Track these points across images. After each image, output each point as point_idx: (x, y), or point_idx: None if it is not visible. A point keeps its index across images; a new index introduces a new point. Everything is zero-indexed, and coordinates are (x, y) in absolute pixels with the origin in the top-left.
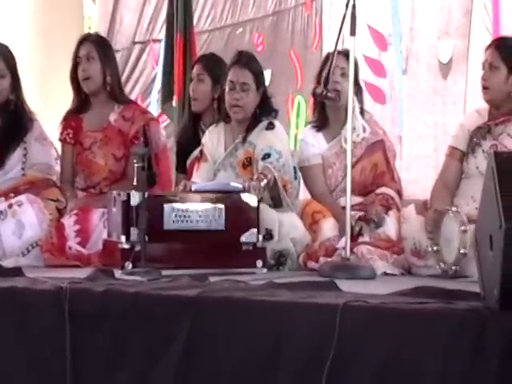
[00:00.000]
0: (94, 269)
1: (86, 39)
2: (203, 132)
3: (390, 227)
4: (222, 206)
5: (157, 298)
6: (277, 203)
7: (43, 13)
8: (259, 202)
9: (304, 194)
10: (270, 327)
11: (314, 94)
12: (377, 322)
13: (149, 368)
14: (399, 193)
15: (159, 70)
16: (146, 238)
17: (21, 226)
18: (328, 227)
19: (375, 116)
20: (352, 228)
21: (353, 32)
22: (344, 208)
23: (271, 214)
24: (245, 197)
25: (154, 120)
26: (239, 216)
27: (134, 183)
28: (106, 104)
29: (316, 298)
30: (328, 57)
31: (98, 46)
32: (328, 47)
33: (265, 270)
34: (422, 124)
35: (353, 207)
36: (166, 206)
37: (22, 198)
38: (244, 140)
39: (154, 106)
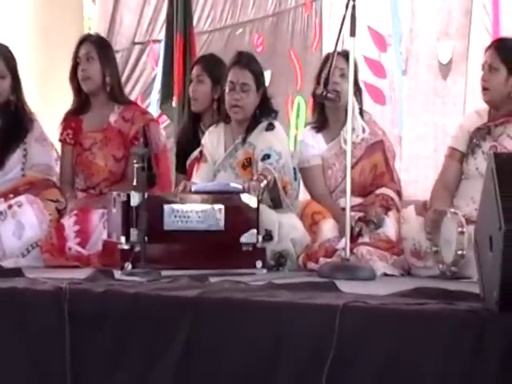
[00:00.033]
0: (94, 269)
1: (86, 39)
2: (203, 133)
3: (389, 228)
4: (221, 206)
5: (156, 298)
6: (277, 204)
7: (43, 13)
8: (259, 202)
9: (304, 195)
10: (269, 328)
11: (314, 95)
12: (377, 323)
13: (148, 368)
14: (399, 193)
15: (159, 70)
16: (146, 238)
17: (20, 226)
18: (328, 228)
19: (375, 117)
20: (352, 229)
21: (353, 33)
22: (344, 209)
23: (271, 215)
24: (244, 197)
25: (153, 121)
26: (239, 217)
27: (134, 184)
28: (105, 105)
29: (316, 298)
30: (327, 58)
31: (97, 47)
32: (328, 48)
33: (265, 271)
34: (422, 125)
35: (352, 208)
36: (166, 207)
37: (22, 198)
38: (244, 141)
39: (153, 106)
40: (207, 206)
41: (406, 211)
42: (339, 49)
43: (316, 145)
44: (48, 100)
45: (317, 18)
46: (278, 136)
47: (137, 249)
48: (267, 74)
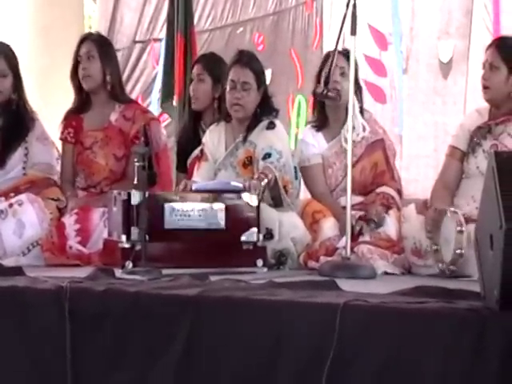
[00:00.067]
0: (95, 268)
1: (87, 38)
2: (204, 131)
3: (390, 227)
4: (222, 205)
5: (157, 297)
6: (277, 203)
7: (43, 12)
8: (259, 201)
9: (304, 194)
10: (270, 326)
11: (315, 94)
12: (377, 322)
13: (149, 367)
14: (399, 192)
15: (160, 69)
16: (147, 237)
17: (21, 225)
18: (328, 227)
19: (376, 115)
20: (352, 227)
21: (353, 31)
22: (344, 207)
23: (271, 214)
24: (245, 196)
25: (154, 120)
26: (240, 215)
27: (135, 183)
28: (106, 103)
29: (316, 297)
30: (327, 56)
31: (98, 45)
32: (328, 47)
33: (265, 270)
34: (423, 124)
35: (353, 207)
36: (167, 206)
37: (23, 197)
38: (244, 139)
39: (154, 105)
40: (208, 205)
41: (406, 210)
42: (340, 47)
43: (316, 144)
44: (48, 99)
45: (317, 16)
46: (279, 135)
47: (137, 247)
48: (268, 73)
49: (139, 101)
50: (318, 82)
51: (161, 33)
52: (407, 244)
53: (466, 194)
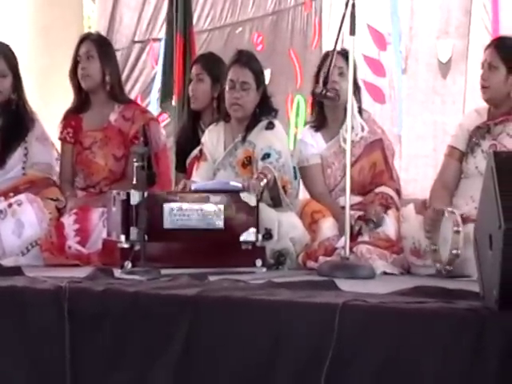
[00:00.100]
0: (94, 268)
1: (86, 38)
2: (203, 131)
3: (389, 227)
4: (221, 205)
5: (156, 297)
6: (276, 203)
7: (43, 12)
8: (258, 201)
9: (303, 194)
10: (269, 326)
11: (314, 94)
12: (376, 322)
13: (148, 367)
14: (398, 192)
15: (159, 69)
16: (146, 237)
17: (20, 225)
18: (327, 227)
19: (375, 115)
20: (351, 227)
21: (352, 31)
22: (343, 207)
23: (270, 214)
24: (244, 196)
25: (153, 120)
26: (238, 215)
27: (134, 183)
28: (106, 103)
29: (315, 297)
30: (325, 56)
31: (98, 45)
32: (327, 46)
33: (264, 270)
34: (422, 123)
35: (352, 207)
36: (166, 206)
37: (22, 197)
38: (244, 139)
39: (153, 105)
40: (207, 205)
41: (405, 210)
42: (338, 47)
43: (315, 144)
44: (48, 99)
45: (316, 16)
46: (278, 135)
47: (136, 247)
48: (267, 73)
49: (138, 101)
50: (317, 82)
51: (160, 33)
52: (406, 244)
53: (464, 193)
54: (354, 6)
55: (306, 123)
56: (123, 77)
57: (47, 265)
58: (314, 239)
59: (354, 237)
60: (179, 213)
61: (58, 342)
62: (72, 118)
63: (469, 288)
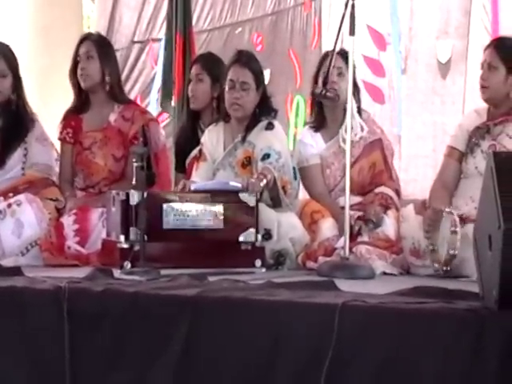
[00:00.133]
0: (93, 268)
1: (86, 38)
2: (202, 131)
3: (388, 227)
4: (220, 205)
5: (156, 297)
6: (276, 203)
7: (43, 13)
8: (258, 201)
9: (303, 194)
10: (268, 326)
11: (313, 94)
12: (376, 322)
13: (147, 368)
14: (398, 192)
15: (158, 69)
16: (145, 237)
17: (20, 225)
18: (327, 227)
19: (374, 116)
20: (351, 228)
21: (352, 32)
22: (343, 208)
23: (270, 214)
24: (243, 196)
25: (153, 120)
26: (238, 215)
27: (134, 183)
28: (105, 104)
29: (315, 297)
30: (325, 56)
31: (97, 45)
32: (327, 47)
33: (264, 270)
34: (421, 124)
35: (352, 207)
36: (165, 206)
37: (21, 197)
38: (243, 139)
39: (153, 105)
40: (206, 205)
41: (405, 210)
42: (338, 48)
43: (315, 144)
44: (48, 99)
45: (316, 16)
46: (278, 135)
47: (136, 248)
48: (266, 73)
49: (138, 101)
50: (316, 82)
51: (159, 33)
52: (406, 244)
53: (464, 194)
54: (353, 6)
55: (305, 123)
56: (123, 77)
57: (47, 265)
58: (313, 239)
59: (353, 237)
60: (179, 213)
61: (57, 342)
62: (72, 119)
63: (468, 288)
